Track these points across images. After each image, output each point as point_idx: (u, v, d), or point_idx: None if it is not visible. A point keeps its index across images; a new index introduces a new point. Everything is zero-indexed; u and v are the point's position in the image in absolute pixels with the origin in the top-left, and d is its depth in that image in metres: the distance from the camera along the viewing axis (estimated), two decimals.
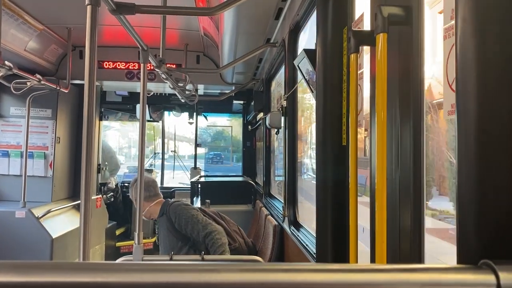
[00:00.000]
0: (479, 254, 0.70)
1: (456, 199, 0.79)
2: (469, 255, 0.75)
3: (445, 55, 1.04)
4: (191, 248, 3.23)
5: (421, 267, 0.75)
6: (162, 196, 3.63)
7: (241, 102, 6.96)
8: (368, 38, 1.31)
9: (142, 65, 2.55)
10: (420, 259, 1.20)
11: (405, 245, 1.25)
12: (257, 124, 6.05)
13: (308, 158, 3.92)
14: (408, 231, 1.24)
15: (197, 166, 7.24)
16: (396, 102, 1.32)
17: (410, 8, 1.23)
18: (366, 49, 1.55)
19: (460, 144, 0.79)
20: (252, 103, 5.78)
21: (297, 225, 3.06)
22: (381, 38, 1.16)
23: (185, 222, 3.22)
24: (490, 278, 0.65)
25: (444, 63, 1.04)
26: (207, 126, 14.16)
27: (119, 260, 2.77)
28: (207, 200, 4.52)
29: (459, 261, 0.77)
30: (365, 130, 1.71)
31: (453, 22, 0.98)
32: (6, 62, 3.72)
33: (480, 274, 0.66)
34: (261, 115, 5.23)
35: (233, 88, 5.82)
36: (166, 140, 9.45)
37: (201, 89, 6.06)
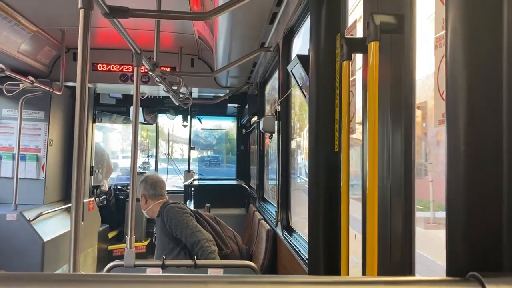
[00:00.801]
0: (468, 267, 0.70)
1: (446, 211, 0.79)
2: (458, 267, 0.75)
3: (436, 64, 1.04)
4: (182, 250, 3.23)
5: (410, 279, 0.75)
6: (167, 197, 3.63)
7: (235, 105, 6.96)
8: (360, 46, 1.31)
9: (135, 68, 2.55)
10: (410, 268, 1.20)
11: (396, 254, 1.25)
12: (251, 128, 6.04)
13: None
14: (399, 240, 1.24)
15: (191, 169, 7.24)
16: (388, 109, 1.32)
17: (402, 17, 1.23)
18: (358, 55, 1.56)
19: (449, 154, 0.79)
20: (246, 107, 5.78)
21: (289, 230, 3.06)
22: (373, 46, 1.17)
23: (175, 225, 3.21)
24: None
25: (435, 72, 1.04)
26: (202, 129, 14.12)
27: (110, 264, 2.75)
28: (207, 204, 4.50)
29: (448, 273, 0.77)
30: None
31: (444, 32, 0.99)
32: None
33: (467, 286, 0.66)
34: (255, 118, 5.23)
35: (227, 91, 5.82)
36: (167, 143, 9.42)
37: (195, 92, 6.05)
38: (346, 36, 1.59)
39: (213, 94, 6.30)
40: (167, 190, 3.72)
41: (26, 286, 0.64)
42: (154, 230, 3.61)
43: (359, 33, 1.56)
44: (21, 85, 4.19)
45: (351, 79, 1.51)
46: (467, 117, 0.77)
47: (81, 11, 1.48)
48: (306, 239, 2.61)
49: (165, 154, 9.14)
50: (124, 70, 5.27)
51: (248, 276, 0.68)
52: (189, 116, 7.38)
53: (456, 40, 0.79)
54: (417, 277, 0.70)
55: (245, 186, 5.79)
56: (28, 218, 4.42)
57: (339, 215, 1.69)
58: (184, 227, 3.18)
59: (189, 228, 3.17)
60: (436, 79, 1.04)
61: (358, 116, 1.66)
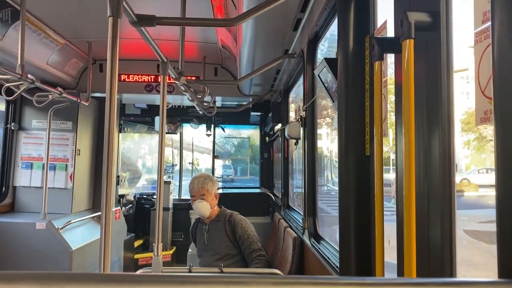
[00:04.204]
0: None
1: (496, 210, 0.75)
2: None
3: (476, 60, 1.00)
4: (242, 259, 3.54)
5: (458, 281, 0.71)
6: None
7: (259, 113, 6.95)
8: (393, 45, 1.27)
9: (162, 76, 2.56)
10: (452, 273, 1.15)
11: (436, 258, 1.19)
12: (275, 136, 6.02)
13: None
14: (438, 243, 1.19)
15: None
16: (424, 110, 1.28)
17: (438, 13, 1.20)
18: (388, 57, 1.52)
19: (498, 153, 0.75)
20: (270, 115, 5.77)
21: (317, 238, 3.00)
22: (408, 45, 1.13)
23: (247, 236, 3.55)
24: None
25: (476, 69, 1.00)
26: (225, 137, 14.18)
27: (138, 272, 2.75)
28: None
29: (501, 275, 0.73)
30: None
31: (484, 26, 0.95)
32: (29, 76, 3.79)
33: None
34: (279, 126, 5.20)
35: (251, 99, 5.83)
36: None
37: (218, 101, 6.08)
38: (376, 36, 1.56)
39: (236, 103, 6.32)
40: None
41: (59, 285, 0.64)
42: (205, 233, 3.73)
43: (389, 35, 1.52)
44: (50, 96, 4.27)
45: (382, 80, 1.47)
46: None
47: (110, 20, 1.49)
48: (334, 247, 2.56)
49: (189, 163, 9.19)
50: (149, 80, 5.34)
51: (282, 277, 0.66)
52: (212, 125, 7.42)
53: (504, 33, 0.76)
54: (465, 278, 0.66)
55: (270, 194, 5.76)
56: (57, 227, 4.48)
57: (371, 220, 1.64)
58: (254, 240, 3.55)
59: (255, 236, 3.58)
60: (477, 76, 1.00)
61: (389, 118, 1.62)
